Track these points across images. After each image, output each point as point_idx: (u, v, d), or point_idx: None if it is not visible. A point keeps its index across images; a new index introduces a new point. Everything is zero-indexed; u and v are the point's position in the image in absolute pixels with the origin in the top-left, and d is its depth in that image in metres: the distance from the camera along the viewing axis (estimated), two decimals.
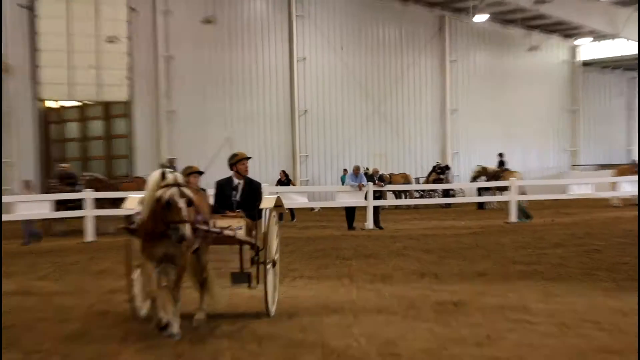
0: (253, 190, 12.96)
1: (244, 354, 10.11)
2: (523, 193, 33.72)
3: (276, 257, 13.19)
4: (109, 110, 45.42)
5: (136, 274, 12.47)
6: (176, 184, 10.47)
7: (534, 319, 11.88)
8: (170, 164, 37.66)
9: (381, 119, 49.12)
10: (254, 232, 12.49)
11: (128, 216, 12.00)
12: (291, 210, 33.14)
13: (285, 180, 36.50)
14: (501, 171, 40.20)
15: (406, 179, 43.32)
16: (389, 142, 48.91)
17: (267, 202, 12.74)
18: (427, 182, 44.79)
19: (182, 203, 10.37)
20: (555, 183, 41.97)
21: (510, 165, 44.29)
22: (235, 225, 12.10)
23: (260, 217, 12.63)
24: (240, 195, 12.91)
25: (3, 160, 39.89)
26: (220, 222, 12.11)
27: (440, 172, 44.98)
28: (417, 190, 44.02)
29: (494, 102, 52.54)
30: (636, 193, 35.81)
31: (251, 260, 12.42)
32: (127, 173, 38.25)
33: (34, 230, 26.61)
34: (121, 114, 44.07)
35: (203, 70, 44.17)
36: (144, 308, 12.35)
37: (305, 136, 46.67)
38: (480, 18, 49.16)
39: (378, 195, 31.38)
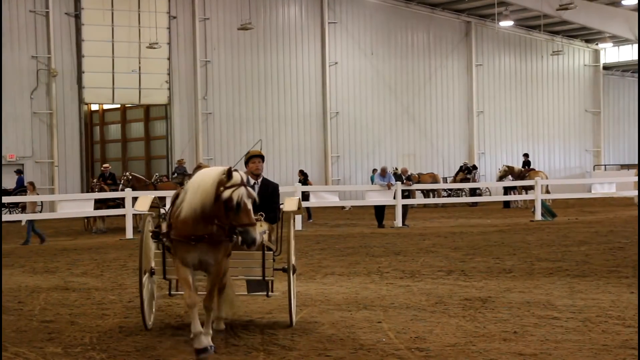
0: (271, 192, 11.72)
1: (276, 348, 10.00)
2: (547, 192, 33.49)
3: (295, 262, 11.91)
4: (148, 112, 45.72)
5: (145, 280, 11.41)
6: (243, 184, 9.37)
7: (559, 315, 11.75)
8: (180, 165, 37.89)
9: (410, 121, 48.99)
10: (272, 237, 11.54)
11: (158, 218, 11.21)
12: (308, 209, 32.92)
13: (302, 180, 35.72)
14: (526, 171, 40.01)
15: (434, 179, 43.24)
16: (417, 143, 48.77)
17: (289, 204, 11.59)
18: (454, 181, 44.67)
19: (250, 204, 9.34)
20: (578, 182, 41.82)
21: (535, 165, 44.18)
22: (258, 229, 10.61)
23: (279, 219, 11.59)
24: (257, 196, 11.52)
25: (49, 160, 40.23)
26: None
27: (467, 172, 44.84)
28: (444, 190, 43.89)
29: (519, 104, 52.30)
30: None
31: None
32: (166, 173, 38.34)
33: (37, 230, 26.42)
34: (160, 117, 44.42)
35: (239, 74, 44.34)
36: (150, 320, 11.42)
37: (336, 137, 46.66)
38: (505, 24, 48.94)
39: (406, 194, 31.28)
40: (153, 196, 12.19)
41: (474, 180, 44.61)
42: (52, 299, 14.37)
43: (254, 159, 11.82)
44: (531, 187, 33.65)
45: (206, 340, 9.63)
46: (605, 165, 54.26)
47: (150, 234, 10.83)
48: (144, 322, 11.18)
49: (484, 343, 10.07)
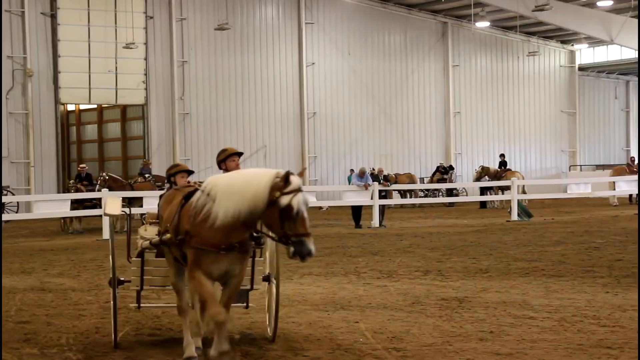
0: None
1: (253, 348, 10.00)
2: (524, 192, 33.59)
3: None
4: (125, 113, 45.61)
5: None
6: (301, 190, 8.29)
7: (535, 315, 11.79)
8: (145, 166, 37.85)
9: (386, 121, 49.07)
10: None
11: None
12: None
13: None
14: (503, 171, 40.12)
15: (411, 179, 43.33)
16: (394, 143, 48.85)
17: None
18: (431, 181, 44.76)
19: (307, 213, 8.33)
20: (554, 183, 41.93)
21: (511, 165, 44.33)
22: None
23: None
24: None
25: (25, 161, 40.06)
26: None
27: (444, 172, 44.94)
28: (421, 190, 43.99)
29: (495, 105, 52.52)
30: (632, 192, 35.73)
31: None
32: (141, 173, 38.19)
33: None
34: (137, 117, 44.34)
35: (216, 74, 44.33)
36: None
37: (314, 138, 46.70)
38: (482, 25, 49.15)
39: (384, 194, 31.33)
40: (121, 197, 11.93)
41: (451, 181, 44.72)
42: (29, 299, 14.30)
43: (233, 156, 11.00)
44: (507, 188, 33.77)
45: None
46: (580, 165, 54.55)
47: (149, 243, 9.71)
48: (114, 336, 10.30)
49: (460, 343, 10.09)
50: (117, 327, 10.29)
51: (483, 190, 39.59)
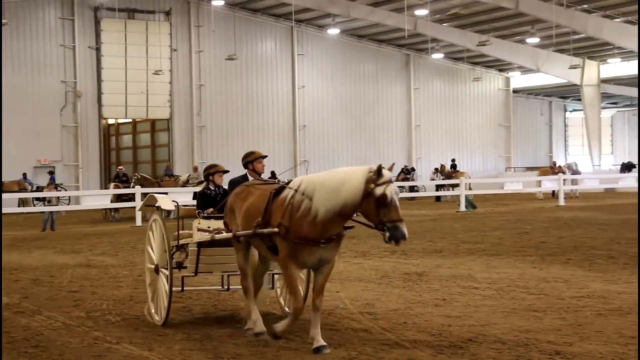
0: None
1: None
2: (470, 189, 33.59)
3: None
4: (154, 125, 45.53)
5: (148, 279, 9.94)
6: (392, 181, 7.70)
7: (478, 286, 11.82)
8: (168, 168, 37.87)
9: (362, 133, 49.04)
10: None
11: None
12: None
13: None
14: (453, 172, 40.14)
15: None
16: (368, 150, 48.74)
17: None
18: (396, 180, 44.67)
19: (398, 201, 7.70)
20: (494, 181, 41.99)
21: (460, 167, 44.27)
22: None
23: None
24: None
25: (75, 163, 40.00)
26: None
27: (407, 173, 44.90)
28: None
29: (448, 120, 52.48)
30: (554, 188, 35.80)
31: None
32: (167, 173, 38.09)
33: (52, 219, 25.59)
34: (164, 129, 44.25)
35: (226, 95, 44.35)
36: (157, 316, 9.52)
37: (304, 145, 46.64)
38: (437, 56, 49.19)
39: None
40: (169, 196, 10.32)
41: (413, 180, 44.72)
42: (77, 273, 14.30)
43: (260, 159, 10.05)
44: (457, 185, 33.78)
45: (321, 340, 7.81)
46: (514, 167, 54.60)
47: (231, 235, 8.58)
48: (165, 318, 9.20)
49: (419, 308, 10.12)
50: (170, 308, 9.16)
51: (438, 187, 39.60)
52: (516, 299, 10.59)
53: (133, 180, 30.77)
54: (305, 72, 46.90)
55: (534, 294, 10.94)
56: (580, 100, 52.21)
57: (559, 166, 40.28)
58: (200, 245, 9.10)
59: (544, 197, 37.19)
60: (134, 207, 27.19)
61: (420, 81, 51.17)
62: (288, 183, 8.29)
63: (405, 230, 7.55)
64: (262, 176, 9.97)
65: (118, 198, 29.25)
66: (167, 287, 9.05)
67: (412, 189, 42.99)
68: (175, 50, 42.41)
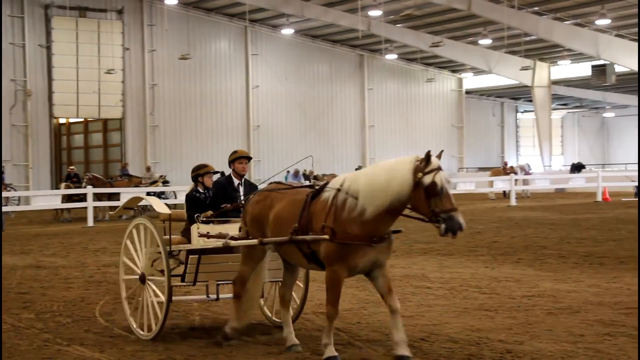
0: (255, 191, 8.78)
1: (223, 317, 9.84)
2: None
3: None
4: (106, 125, 45.09)
5: (125, 292, 9.16)
6: (441, 168, 7.03)
7: (431, 285, 11.87)
8: (124, 168, 37.54)
9: (316, 132, 49.11)
10: None
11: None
12: None
13: None
14: None
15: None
16: (322, 150, 48.74)
17: None
18: None
19: (450, 189, 7.05)
20: None
21: None
22: None
23: None
24: (244, 197, 8.93)
25: (25, 163, 39.43)
26: (227, 227, 8.59)
27: None
28: None
29: (401, 120, 52.82)
30: (506, 189, 36.16)
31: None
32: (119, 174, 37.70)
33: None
34: (116, 128, 43.86)
35: (179, 95, 44.11)
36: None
37: (258, 145, 46.50)
38: (390, 57, 49.45)
39: None
40: (162, 200, 9.47)
41: None
42: (27, 275, 14.08)
43: (241, 159, 9.15)
44: None
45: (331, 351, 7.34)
46: (466, 168, 55.12)
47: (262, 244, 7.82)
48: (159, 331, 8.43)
49: (373, 308, 10.14)
50: (165, 321, 8.38)
51: None
52: (468, 299, 10.66)
53: (84, 181, 30.40)
54: (259, 72, 46.82)
55: (486, 293, 11.01)
56: (531, 101, 52.92)
57: (511, 167, 40.71)
58: (202, 252, 8.44)
59: (496, 197, 37.54)
60: (85, 208, 26.89)
61: (374, 82, 51.42)
62: (324, 186, 7.71)
63: (461, 220, 6.91)
64: (242, 177, 9.18)
65: (69, 198, 28.85)
66: (161, 298, 8.36)
67: None
68: (127, 49, 42.03)
